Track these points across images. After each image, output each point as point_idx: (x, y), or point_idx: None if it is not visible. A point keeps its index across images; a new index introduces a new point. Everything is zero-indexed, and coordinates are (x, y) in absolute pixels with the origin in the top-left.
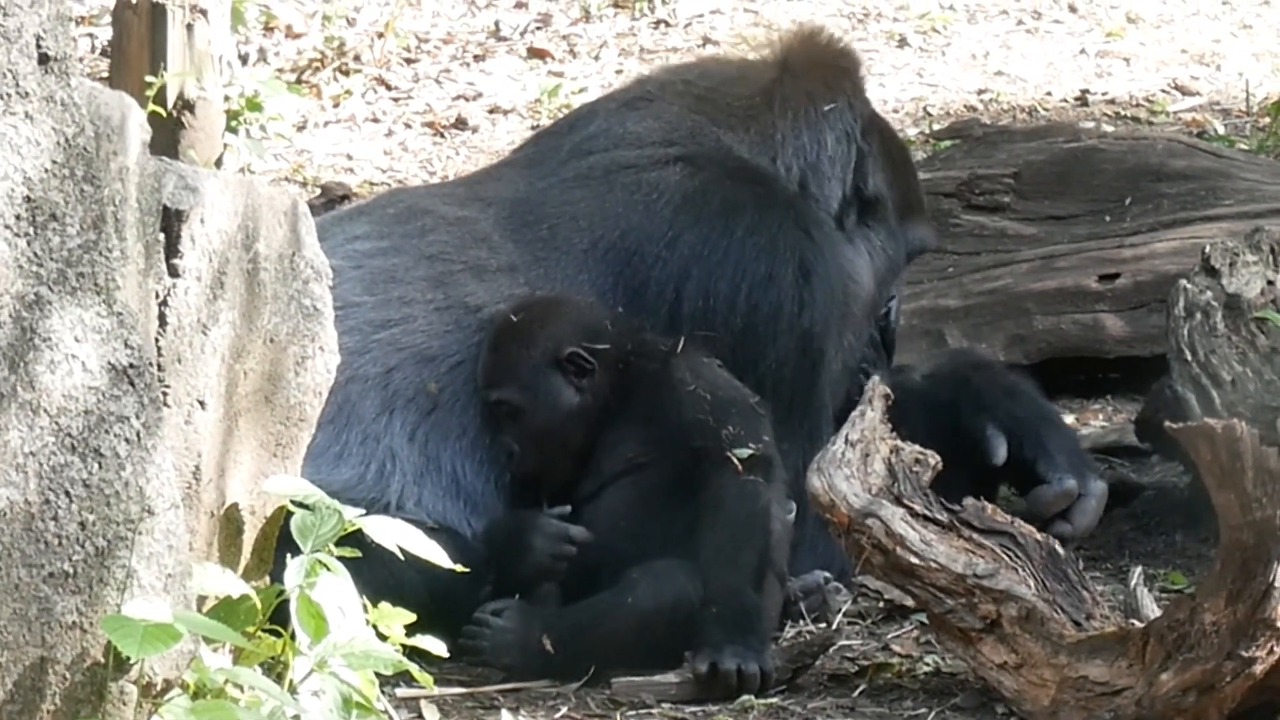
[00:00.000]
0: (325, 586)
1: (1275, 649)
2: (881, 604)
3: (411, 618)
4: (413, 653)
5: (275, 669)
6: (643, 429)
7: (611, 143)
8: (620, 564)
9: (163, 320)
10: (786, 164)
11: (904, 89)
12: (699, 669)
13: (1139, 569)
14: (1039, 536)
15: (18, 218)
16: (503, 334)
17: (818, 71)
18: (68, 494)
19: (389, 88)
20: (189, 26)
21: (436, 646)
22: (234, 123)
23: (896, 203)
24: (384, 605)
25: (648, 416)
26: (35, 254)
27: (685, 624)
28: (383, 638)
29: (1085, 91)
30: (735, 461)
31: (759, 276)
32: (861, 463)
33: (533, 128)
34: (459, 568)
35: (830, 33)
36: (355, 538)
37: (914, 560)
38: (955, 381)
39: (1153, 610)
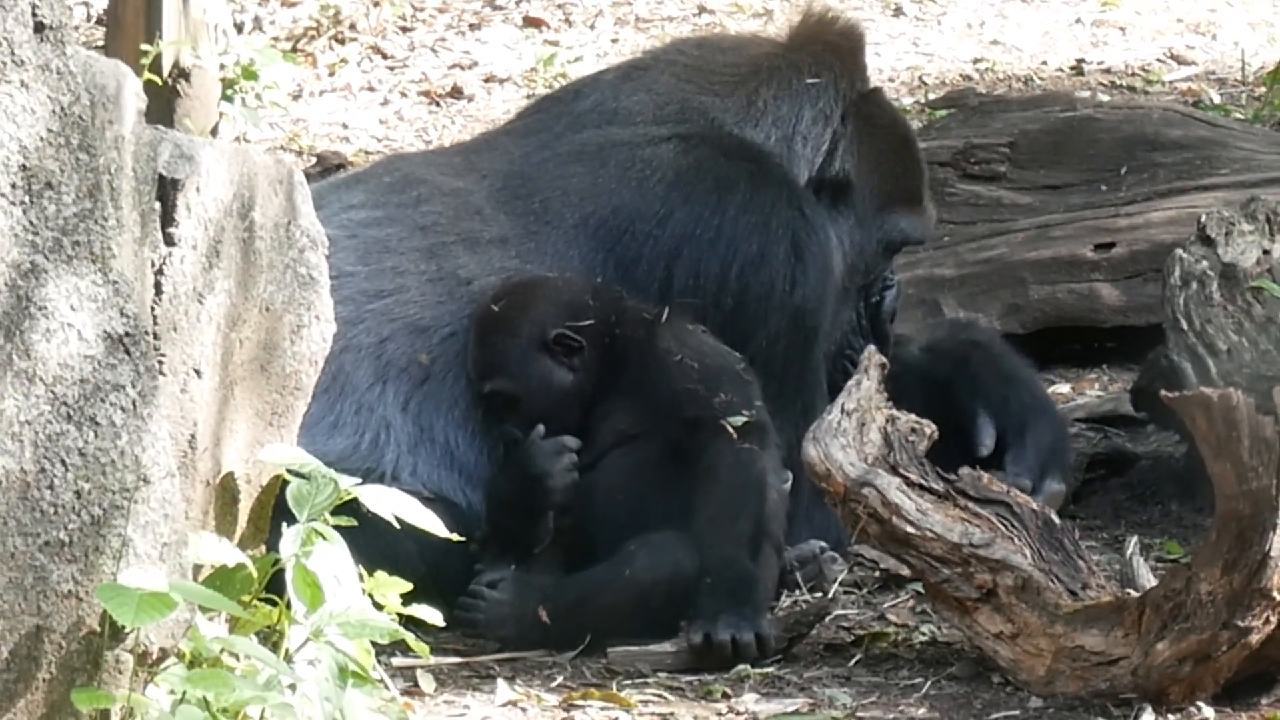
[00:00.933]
0: (321, 555)
1: (1271, 618)
2: (877, 573)
3: (408, 587)
4: (409, 622)
5: (271, 638)
6: (633, 400)
7: (606, 117)
8: (617, 536)
9: (158, 289)
10: (766, 133)
11: (899, 58)
12: (694, 639)
13: (1135, 538)
14: (1035, 506)
15: (13, 186)
16: (487, 325)
17: (812, 46)
18: (63, 463)
19: (385, 56)
20: None
21: (432, 616)
22: (229, 91)
23: (875, 191)
24: (380, 574)
25: (637, 388)
26: (31, 222)
27: (683, 596)
28: (379, 607)
29: (1081, 61)
30: (730, 429)
31: (751, 254)
32: (857, 432)
33: (528, 96)
34: (455, 537)
35: (839, 13)
36: (351, 507)
37: (910, 529)
38: (954, 360)
39: (1149, 580)
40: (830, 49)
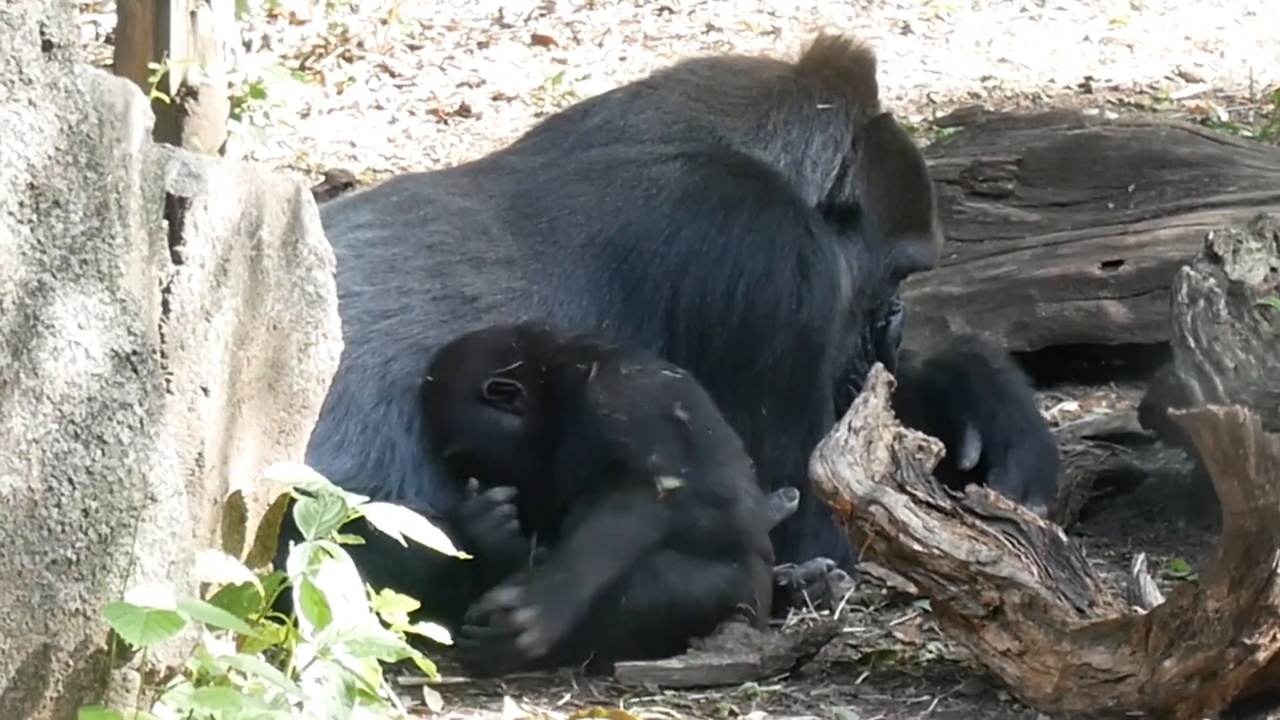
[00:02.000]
0: (328, 574)
1: (1278, 636)
2: (884, 591)
3: (415, 605)
4: (416, 640)
5: (278, 656)
6: (578, 450)
7: (613, 135)
8: None
9: (166, 307)
10: (775, 156)
11: (908, 76)
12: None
13: (1142, 556)
14: (1042, 524)
15: (21, 204)
16: (427, 396)
17: (824, 71)
18: (71, 481)
19: (393, 74)
20: (193, 13)
21: (439, 634)
22: (237, 109)
23: (885, 217)
24: (387, 592)
25: (578, 439)
26: (39, 241)
27: (681, 621)
28: (386, 625)
29: (1089, 78)
30: (657, 487)
31: (757, 273)
32: (864, 450)
33: (536, 114)
34: (462, 555)
35: (851, 37)
36: (358, 525)
37: (917, 547)
38: (952, 372)
39: (1156, 597)
40: (842, 74)
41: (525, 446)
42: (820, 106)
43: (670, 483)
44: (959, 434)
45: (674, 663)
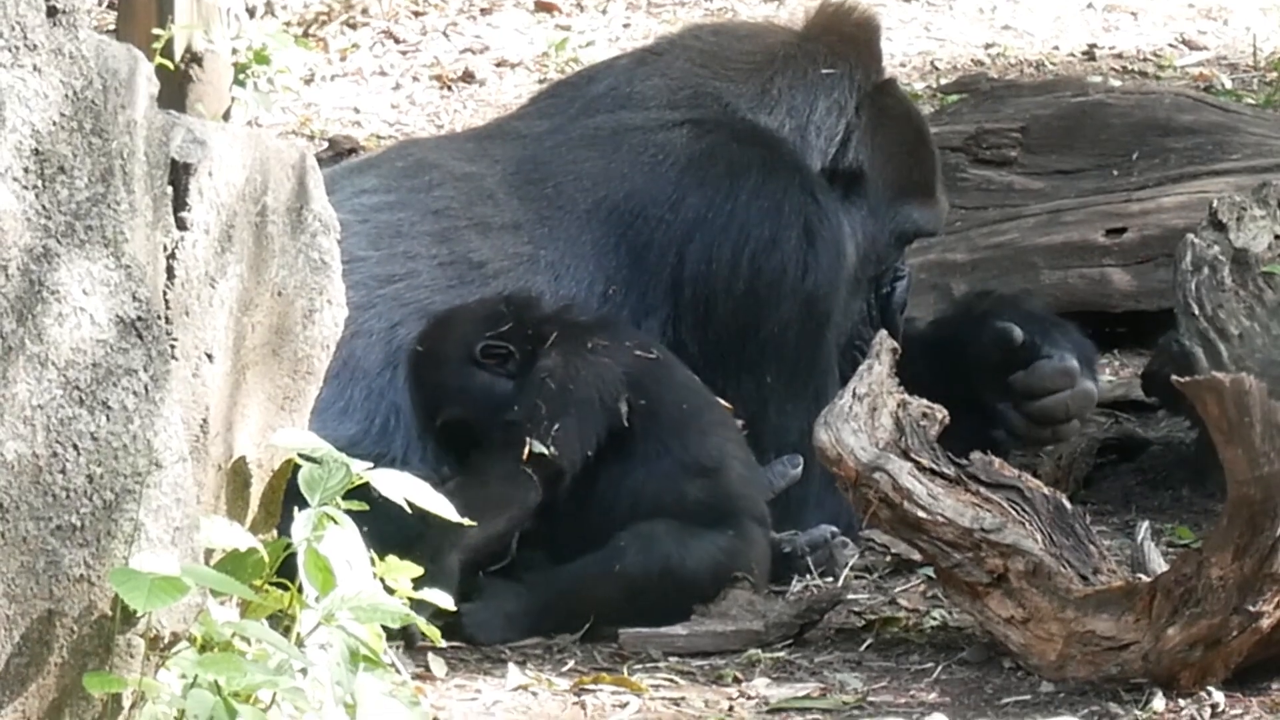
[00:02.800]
0: (332, 540)
1: None
2: (888, 558)
3: (419, 571)
4: (420, 606)
5: (282, 622)
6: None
7: (619, 102)
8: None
9: (171, 273)
10: (780, 122)
11: (911, 43)
12: None
13: (1146, 524)
14: (1046, 491)
15: (26, 170)
16: (418, 365)
17: (828, 36)
18: (75, 447)
19: (397, 41)
20: None
21: (444, 600)
22: (241, 76)
23: (889, 182)
24: (391, 558)
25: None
26: (44, 207)
27: (675, 588)
28: (390, 591)
29: (1092, 46)
30: (527, 448)
31: (763, 240)
32: (869, 416)
33: (540, 81)
34: (467, 521)
35: (855, 3)
36: (363, 491)
37: (921, 514)
38: (958, 316)
39: (1159, 565)
40: (846, 39)
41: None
42: (824, 72)
43: (538, 447)
44: (991, 334)
45: (678, 629)
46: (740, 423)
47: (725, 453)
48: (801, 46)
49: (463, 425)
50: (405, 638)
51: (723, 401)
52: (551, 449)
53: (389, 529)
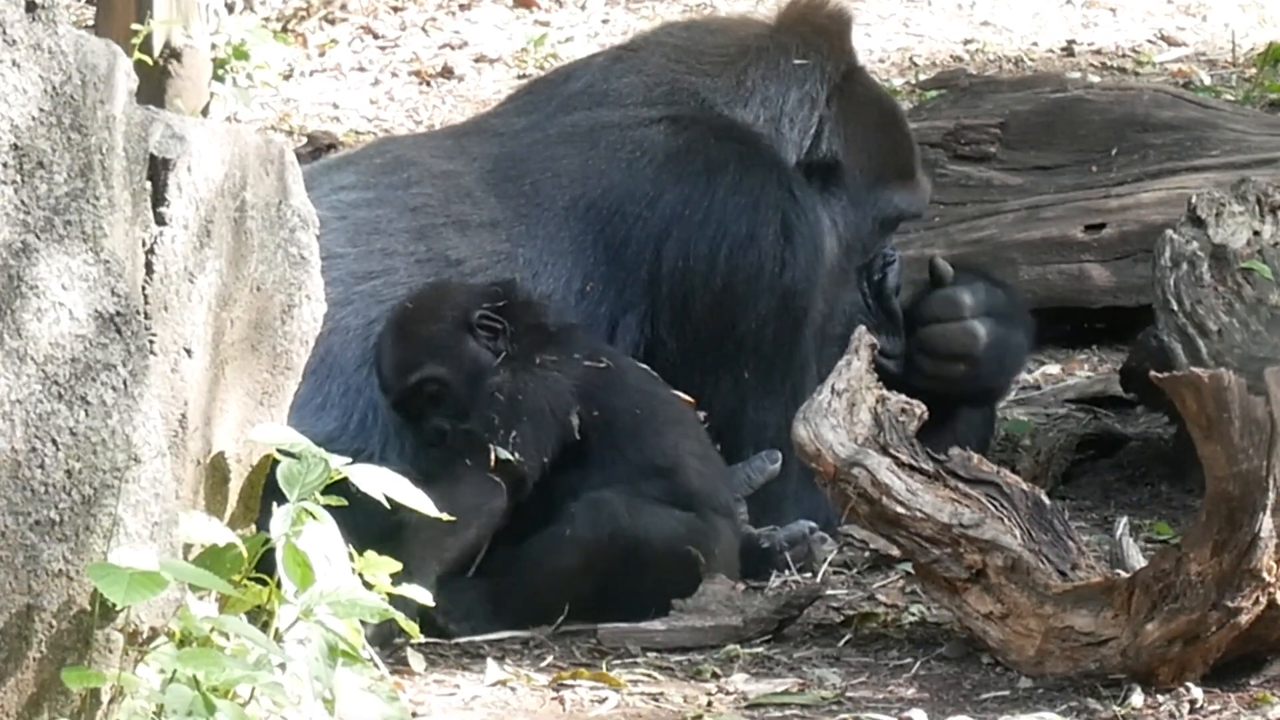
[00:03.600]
0: (311, 535)
1: (1260, 599)
2: (867, 554)
3: (397, 566)
4: (398, 602)
5: (261, 617)
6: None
7: (596, 99)
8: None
9: (150, 268)
10: (754, 114)
11: (890, 39)
12: None
13: (1124, 519)
14: (1025, 487)
15: (5, 165)
16: (407, 320)
17: (801, 28)
18: (54, 442)
19: (375, 36)
20: None
21: (422, 596)
22: (220, 71)
23: (866, 169)
24: (370, 554)
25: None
26: (22, 202)
27: (625, 553)
28: (369, 586)
29: (1071, 42)
30: (490, 454)
31: (740, 236)
32: (847, 412)
33: (519, 77)
34: (446, 516)
35: None
36: (341, 487)
37: (900, 510)
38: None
39: (1138, 561)
40: (818, 31)
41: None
42: (796, 62)
43: (502, 453)
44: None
45: (656, 625)
46: (702, 415)
47: (680, 450)
48: (774, 39)
49: (436, 386)
50: (380, 638)
51: (683, 396)
52: (515, 455)
53: (368, 525)
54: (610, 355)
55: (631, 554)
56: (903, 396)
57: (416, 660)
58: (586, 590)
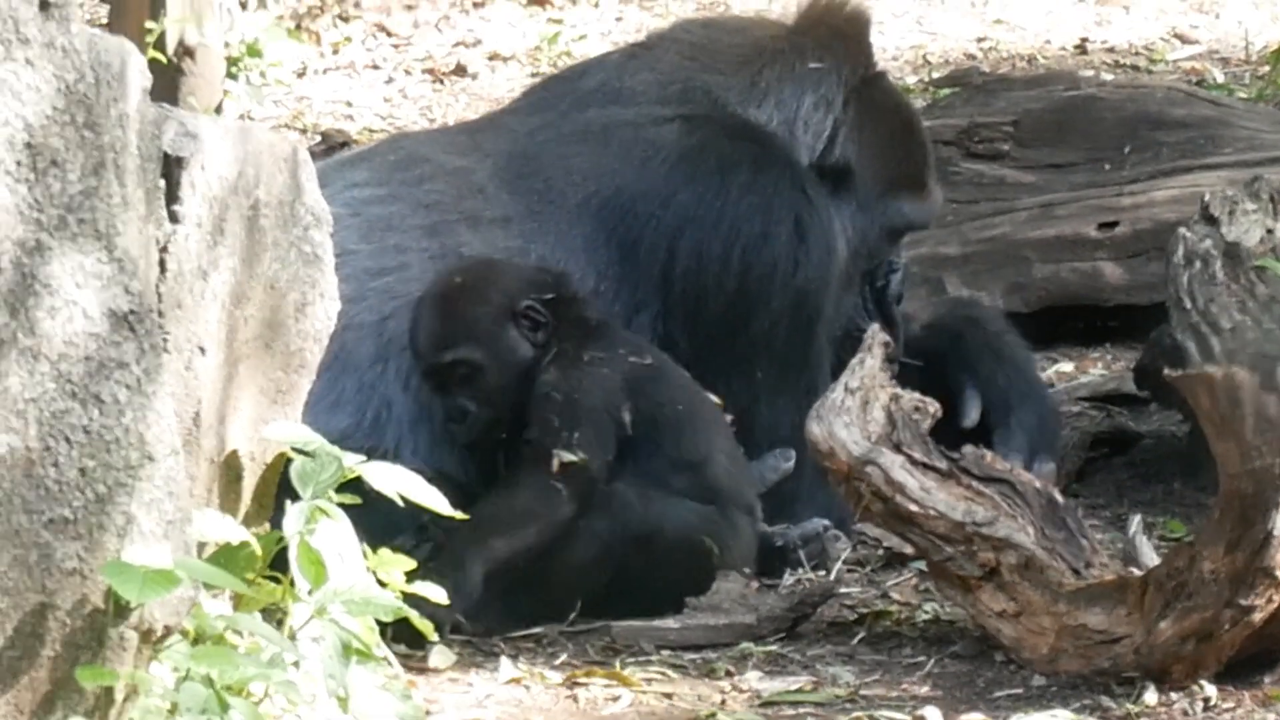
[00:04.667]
0: (325, 533)
1: (1274, 597)
2: (880, 552)
3: (411, 565)
4: (412, 600)
5: (275, 615)
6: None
7: (610, 97)
8: None
9: (163, 266)
10: (769, 115)
11: (903, 37)
12: None
13: (1138, 517)
14: (1038, 484)
15: (18, 163)
16: (450, 295)
17: (817, 30)
18: (68, 440)
19: (389, 34)
20: None
21: (436, 594)
22: (234, 69)
23: (877, 177)
24: (384, 552)
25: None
26: (36, 200)
27: (641, 545)
28: (382, 584)
29: (1084, 40)
30: (556, 459)
31: (753, 236)
32: (861, 410)
33: (532, 75)
34: (459, 514)
35: None
36: (355, 484)
37: (913, 508)
38: (950, 335)
39: (1152, 558)
40: (835, 33)
41: (523, 378)
42: (812, 65)
43: (567, 456)
44: (958, 395)
45: (670, 623)
46: (730, 418)
47: (713, 447)
48: (790, 40)
49: (468, 369)
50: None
51: (713, 397)
52: (580, 454)
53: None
54: (651, 352)
55: (645, 546)
56: (916, 395)
57: (440, 657)
58: (599, 583)
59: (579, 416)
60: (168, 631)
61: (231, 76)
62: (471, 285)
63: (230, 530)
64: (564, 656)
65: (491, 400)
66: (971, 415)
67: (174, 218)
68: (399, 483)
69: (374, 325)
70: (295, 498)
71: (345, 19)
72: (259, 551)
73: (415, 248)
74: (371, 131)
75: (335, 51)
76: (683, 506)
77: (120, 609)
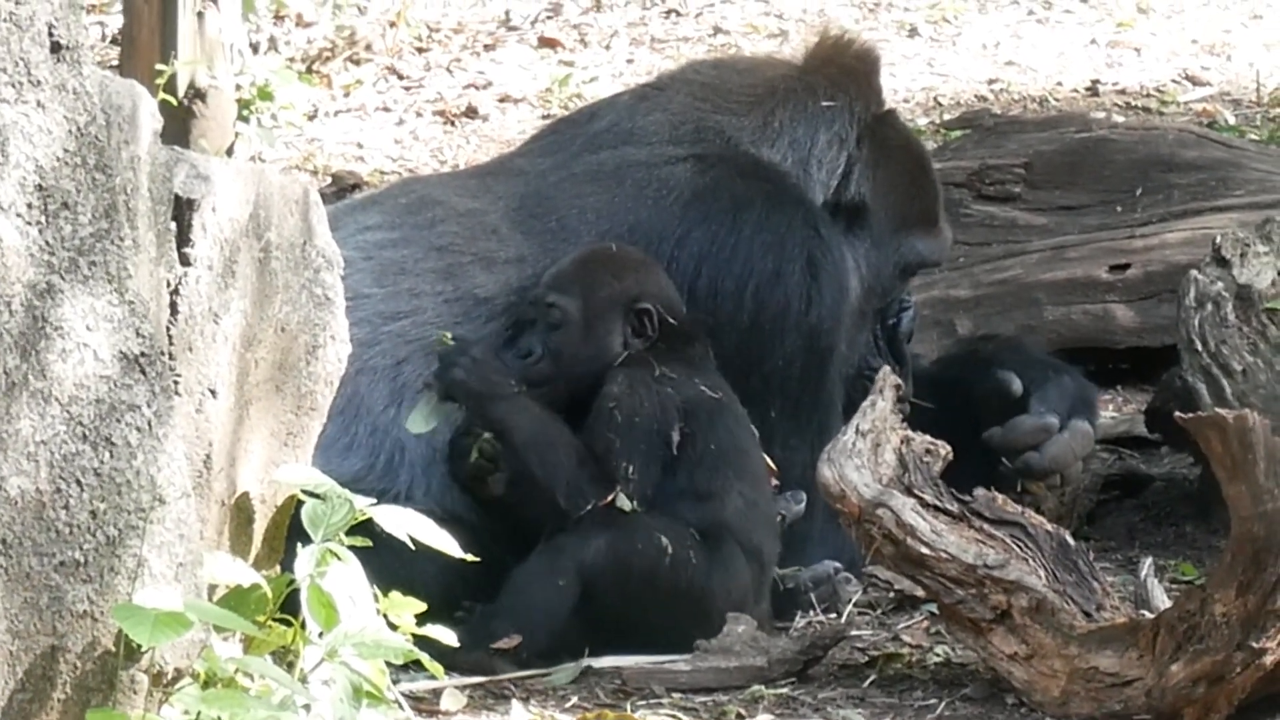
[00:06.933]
0: (336, 576)
1: None
2: (892, 594)
3: (422, 607)
4: (423, 642)
5: (286, 658)
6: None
7: (622, 137)
8: None
9: (174, 309)
10: (782, 155)
11: (915, 79)
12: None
13: (1149, 560)
14: (1049, 528)
15: (30, 206)
16: (596, 255)
17: (828, 69)
18: (79, 483)
19: (400, 77)
20: (200, 14)
21: (447, 636)
22: (245, 111)
23: (891, 214)
24: (395, 595)
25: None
26: (47, 242)
27: (644, 577)
28: (393, 627)
29: (1096, 81)
30: (614, 496)
31: (766, 274)
32: (872, 453)
33: (543, 117)
34: (470, 557)
35: (855, 36)
36: (366, 527)
37: (924, 550)
38: (963, 357)
39: (1163, 601)
40: (845, 72)
41: (597, 367)
42: (824, 104)
43: (624, 502)
44: (992, 382)
45: (681, 665)
46: (776, 483)
47: (728, 486)
48: (802, 79)
49: (559, 317)
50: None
51: (768, 460)
52: (634, 503)
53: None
54: (725, 391)
55: (632, 575)
56: (927, 437)
57: (450, 700)
58: (583, 608)
59: (637, 441)
60: (179, 674)
61: (243, 119)
62: (617, 258)
63: (241, 573)
64: (575, 699)
65: (558, 360)
66: (1015, 385)
67: (185, 260)
68: (409, 525)
69: (388, 369)
70: (306, 540)
71: (356, 61)
72: (270, 594)
73: (429, 291)
74: (383, 173)
75: (346, 94)
76: (659, 537)
77: (131, 651)
